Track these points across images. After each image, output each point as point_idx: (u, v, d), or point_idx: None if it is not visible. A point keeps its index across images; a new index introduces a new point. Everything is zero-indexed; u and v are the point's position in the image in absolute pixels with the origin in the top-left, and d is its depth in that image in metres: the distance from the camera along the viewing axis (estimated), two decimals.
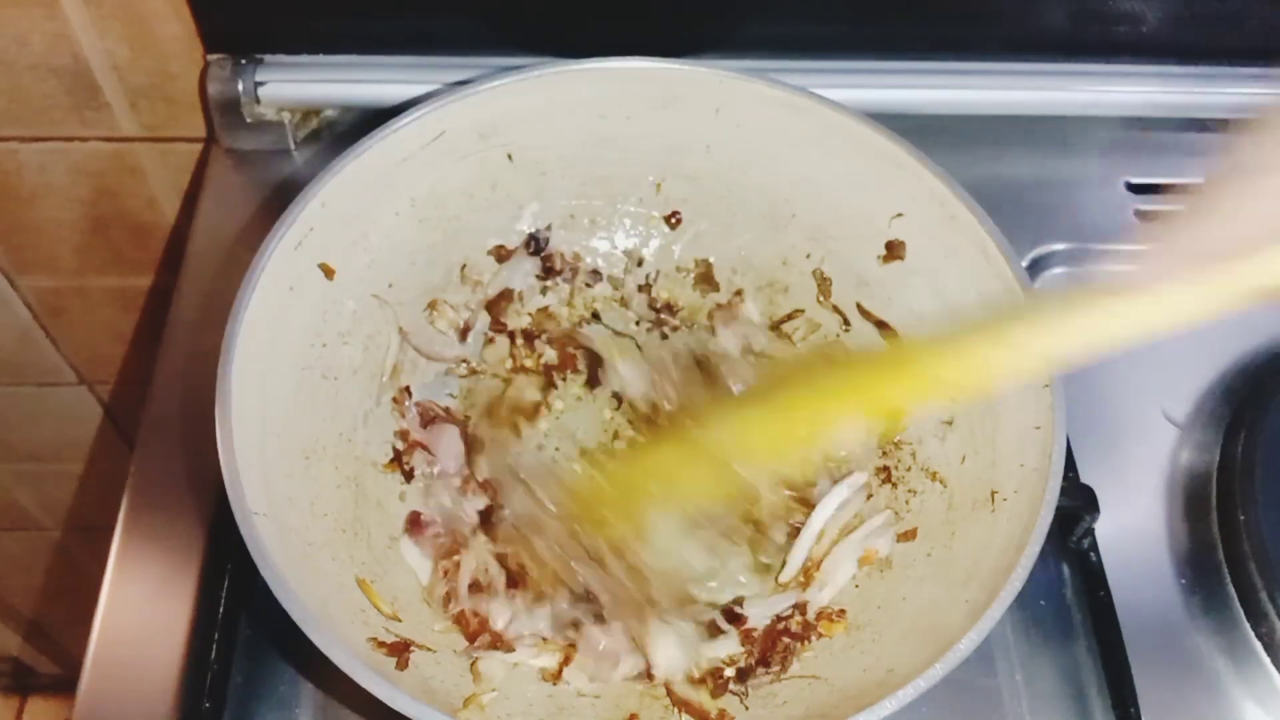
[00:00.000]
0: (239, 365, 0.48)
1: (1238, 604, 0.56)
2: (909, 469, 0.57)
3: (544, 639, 0.52)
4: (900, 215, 0.58)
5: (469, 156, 0.59)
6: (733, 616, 0.53)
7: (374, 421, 0.57)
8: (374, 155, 0.55)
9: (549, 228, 0.63)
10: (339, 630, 0.44)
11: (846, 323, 0.62)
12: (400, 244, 0.59)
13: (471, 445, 0.58)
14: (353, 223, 0.56)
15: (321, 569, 0.49)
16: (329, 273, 0.55)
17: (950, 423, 0.56)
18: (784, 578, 0.55)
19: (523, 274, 0.63)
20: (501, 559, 0.54)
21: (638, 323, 0.64)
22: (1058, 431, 0.48)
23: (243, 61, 0.68)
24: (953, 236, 0.55)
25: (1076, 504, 0.54)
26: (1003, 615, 0.53)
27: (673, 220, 0.64)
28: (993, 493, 0.51)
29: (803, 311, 0.63)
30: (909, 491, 0.56)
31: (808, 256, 0.62)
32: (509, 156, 0.60)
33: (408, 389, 0.59)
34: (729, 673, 0.52)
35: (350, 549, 0.52)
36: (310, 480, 0.52)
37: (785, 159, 0.60)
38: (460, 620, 0.52)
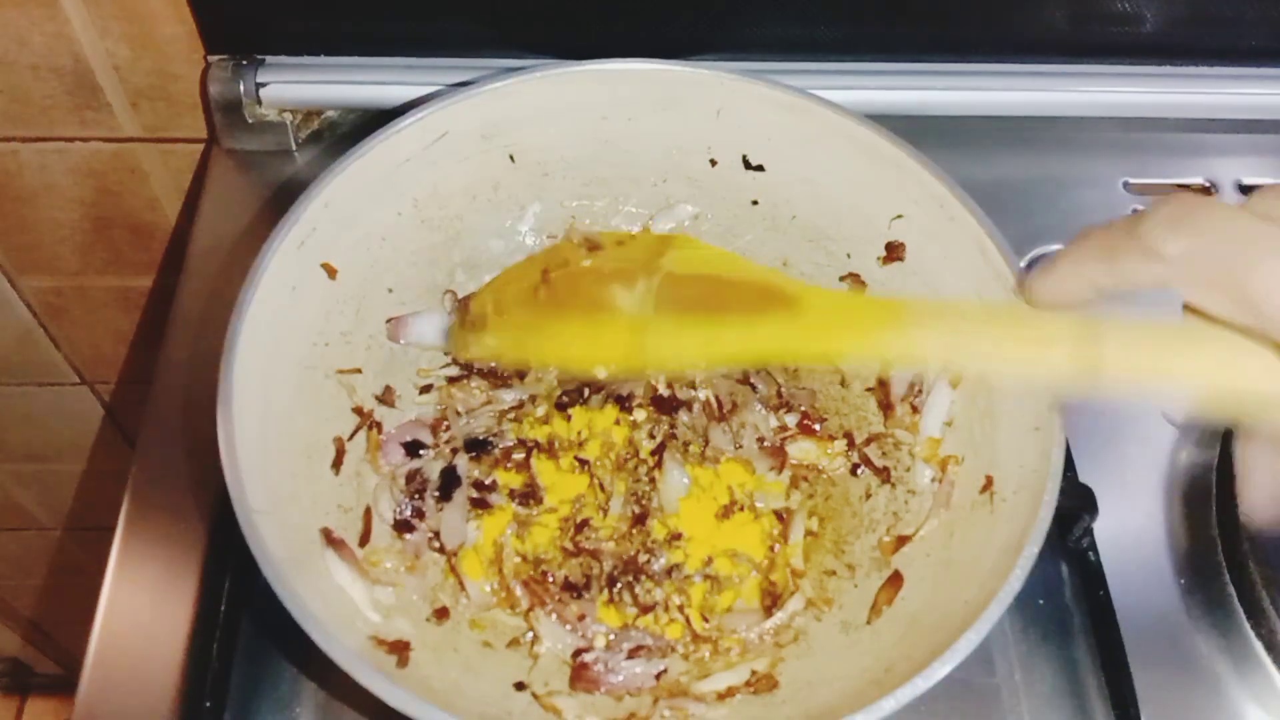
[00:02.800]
0: (241, 364, 0.48)
1: (1237, 604, 0.56)
2: (908, 469, 0.57)
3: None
4: (900, 217, 0.58)
5: (471, 157, 0.59)
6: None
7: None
8: (376, 155, 0.55)
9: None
10: (339, 629, 0.44)
11: None
12: (403, 244, 0.59)
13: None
14: (355, 223, 0.56)
15: (322, 567, 0.49)
16: (331, 272, 0.55)
17: (950, 423, 0.56)
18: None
19: None
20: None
21: None
22: (1057, 432, 0.48)
23: (244, 62, 0.68)
24: (952, 238, 0.55)
25: (1075, 504, 0.54)
26: (1002, 615, 0.53)
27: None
28: (992, 494, 0.51)
29: None
30: (908, 492, 0.56)
31: (809, 258, 0.62)
32: (511, 157, 0.61)
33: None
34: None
35: (351, 547, 0.52)
36: (312, 479, 0.52)
37: (786, 160, 0.60)
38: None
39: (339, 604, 0.48)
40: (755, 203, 0.62)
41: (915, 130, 0.57)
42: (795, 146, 0.59)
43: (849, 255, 0.61)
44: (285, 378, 0.52)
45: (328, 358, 0.55)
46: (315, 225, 0.53)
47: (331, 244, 0.55)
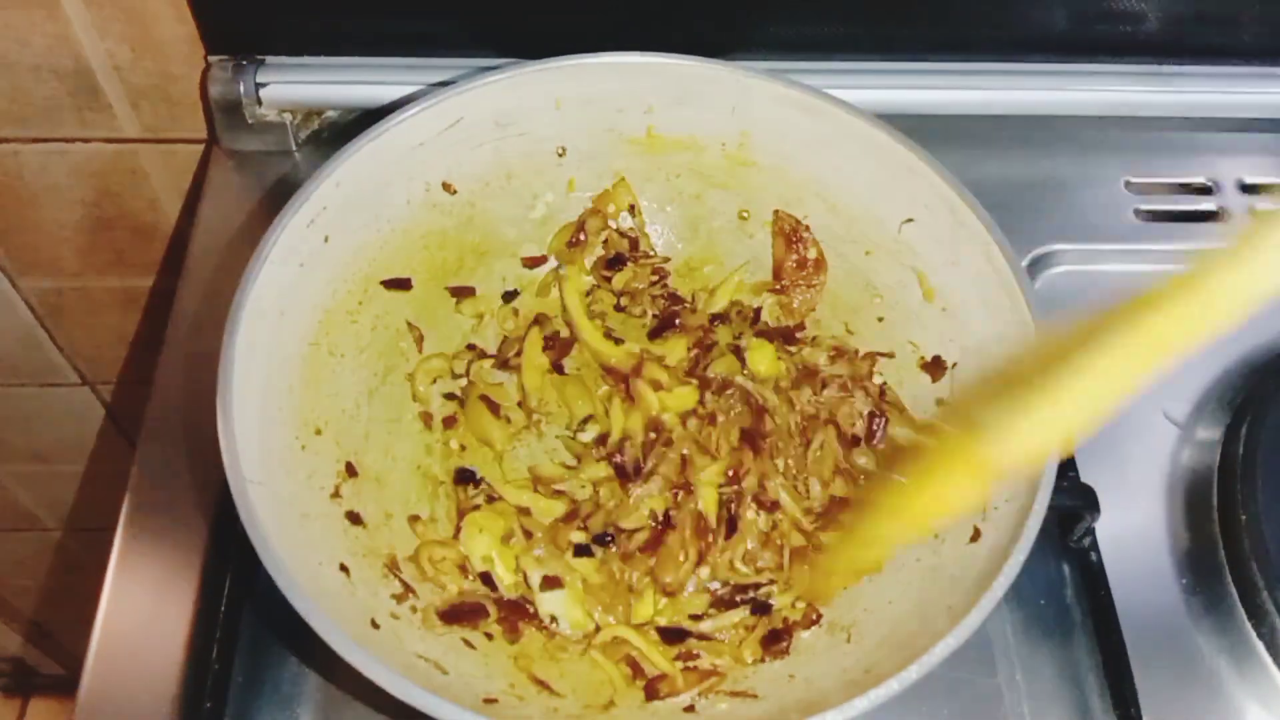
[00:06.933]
0: (244, 336, 0.48)
1: (1239, 604, 0.56)
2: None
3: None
4: (911, 220, 0.58)
5: (485, 144, 0.60)
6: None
7: (379, 399, 0.58)
8: (391, 138, 0.56)
9: None
10: (328, 604, 0.44)
11: (849, 330, 0.62)
12: (413, 227, 0.59)
13: None
14: (366, 203, 0.56)
15: (314, 541, 0.49)
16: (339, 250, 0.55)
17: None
18: None
19: None
20: None
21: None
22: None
23: (244, 63, 0.68)
24: (961, 244, 0.55)
25: (1077, 503, 0.54)
26: (1004, 615, 0.53)
27: None
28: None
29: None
30: None
31: None
32: (524, 146, 0.61)
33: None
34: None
35: (344, 524, 0.52)
36: (311, 454, 0.52)
37: (799, 159, 0.61)
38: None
39: (329, 579, 0.48)
40: (767, 201, 0.62)
41: (917, 129, 0.57)
42: (809, 146, 0.60)
43: (867, 253, 0.60)
44: (290, 352, 0.53)
45: (333, 335, 0.56)
46: (326, 204, 0.54)
47: (342, 223, 0.55)
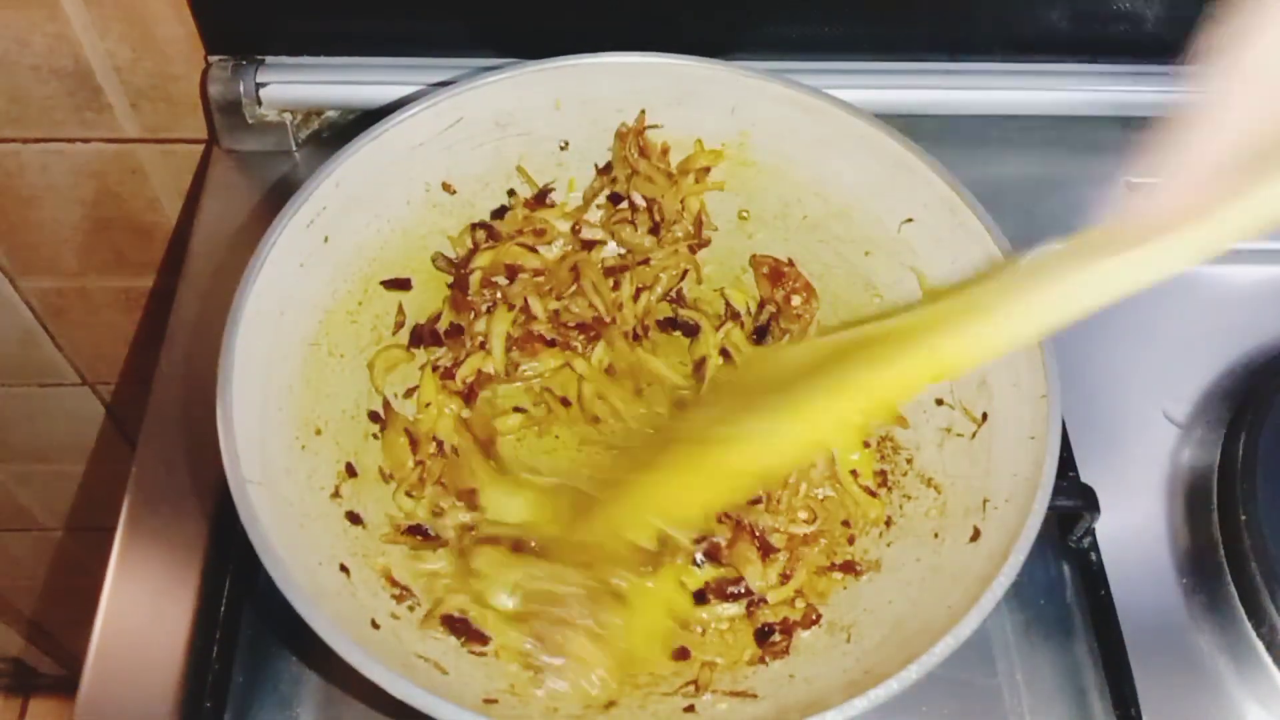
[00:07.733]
0: (244, 336, 0.48)
1: (1239, 604, 0.56)
2: (905, 474, 0.57)
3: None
4: (910, 220, 0.58)
5: (485, 144, 0.60)
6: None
7: (378, 400, 0.57)
8: (391, 138, 0.56)
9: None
10: (328, 604, 0.44)
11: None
12: (413, 227, 0.59)
13: None
14: (366, 203, 0.56)
15: (314, 541, 0.49)
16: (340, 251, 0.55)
17: (949, 430, 0.56)
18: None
19: None
20: None
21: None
22: (1050, 443, 0.48)
23: (244, 63, 0.68)
24: (961, 245, 0.55)
25: (1077, 504, 0.54)
26: (1004, 615, 0.53)
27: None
28: (984, 501, 0.51)
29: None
30: (904, 496, 0.56)
31: (817, 258, 0.62)
32: (524, 146, 0.61)
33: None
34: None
35: (344, 524, 0.52)
36: (310, 454, 0.52)
37: (798, 160, 0.61)
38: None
39: (328, 579, 0.48)
40: (766, 201, 0.62)
41: (916, 129, 0.57)
42: (808, 146, 0.60)
43: (867, 253, 0.60)
44: (289, 352, 0.53)
45: (333, 335, 0.56)
46: (326, 204, 0.54)
47: (342, 223, 0.55)
